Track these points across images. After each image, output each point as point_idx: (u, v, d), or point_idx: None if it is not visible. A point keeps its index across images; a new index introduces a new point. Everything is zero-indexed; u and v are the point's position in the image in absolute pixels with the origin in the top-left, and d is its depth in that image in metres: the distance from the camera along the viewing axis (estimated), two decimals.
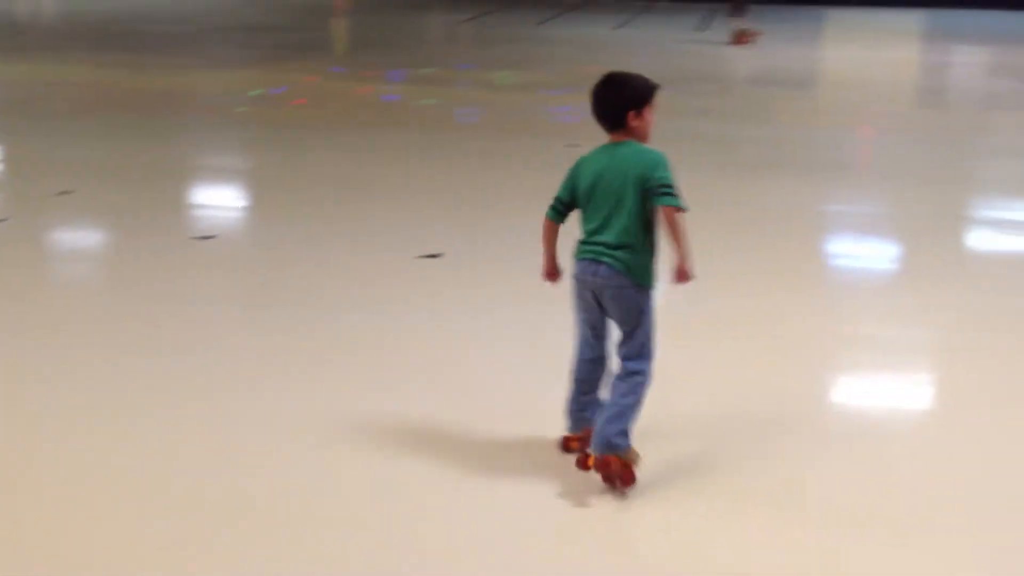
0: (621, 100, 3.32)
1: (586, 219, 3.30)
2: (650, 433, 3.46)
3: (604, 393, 3.38)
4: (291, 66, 12.69)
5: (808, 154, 8.31)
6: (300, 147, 8.45)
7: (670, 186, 3.18)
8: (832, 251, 6.12)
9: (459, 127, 9.33)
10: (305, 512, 3.15)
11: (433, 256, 5.61)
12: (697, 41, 15.41)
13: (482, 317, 4.82)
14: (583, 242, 3.29)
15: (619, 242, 3.21)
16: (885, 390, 4.22)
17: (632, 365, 3.28)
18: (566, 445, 3.49)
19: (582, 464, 3.36)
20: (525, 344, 4.52)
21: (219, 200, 7.15)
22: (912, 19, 18.88)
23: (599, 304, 3.29)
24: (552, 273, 3.48)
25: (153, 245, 5.82)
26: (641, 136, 3.31)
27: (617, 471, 3.22)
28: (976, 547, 3.06)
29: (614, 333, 3.35)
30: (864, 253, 6.06)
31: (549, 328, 4.71)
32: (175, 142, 8.65)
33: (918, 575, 2.94)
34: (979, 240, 6.48)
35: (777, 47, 14.70)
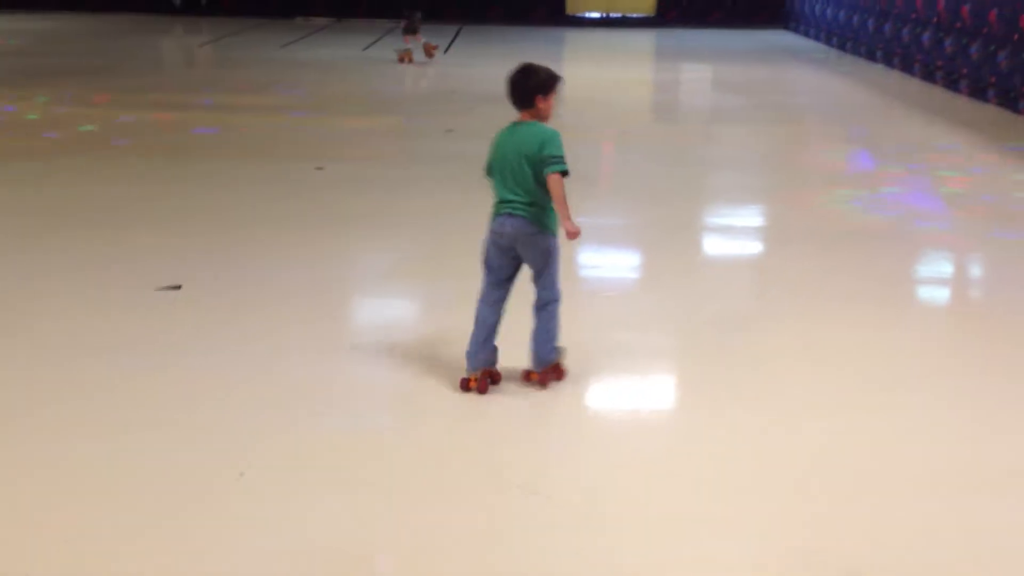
0: (531, 86, 4.09)
1: (497, 184, 4.14)
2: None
3: (497, 341, 4.21)
4: (14, 93, 11.88)
5: None
6: (23, 177, 7.92)
7: (556, 157, 4.00)
8: (581, 262, 6.32)
9: (200, 152, 9.02)
10: None
11: (173, 288, 5.37)
12: (443, 62, 15.62)
13: (226, 351, 4.66)
14: (498, 203, 4.12)
15: (526, 200, 4.05)
16: (628, 392, 4.40)
17: (546, 295, 4.19)
18: (467, 385, 4.20)
19: (526, 378, 4.25)
20: (271, 376, 4.41)
21: None
22: (644, 39, 19.91)
23: (512, 252, 4.12)
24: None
25: None
26: (545, 116, 4.13)
27: (552, 374, 4.26)
28: (718, 529, 3.23)
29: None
30: (606, 263, 6.31)
31: (295, 353, 4.62)
32: None
33: (658, 561, 3.07)
34: (711, 246, 6.89)
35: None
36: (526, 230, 4.05)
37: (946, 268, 6.54)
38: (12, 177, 8.00)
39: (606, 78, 14.67)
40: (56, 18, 20.31)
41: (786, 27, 21.00)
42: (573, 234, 4.06)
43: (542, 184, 4.01)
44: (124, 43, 17.08)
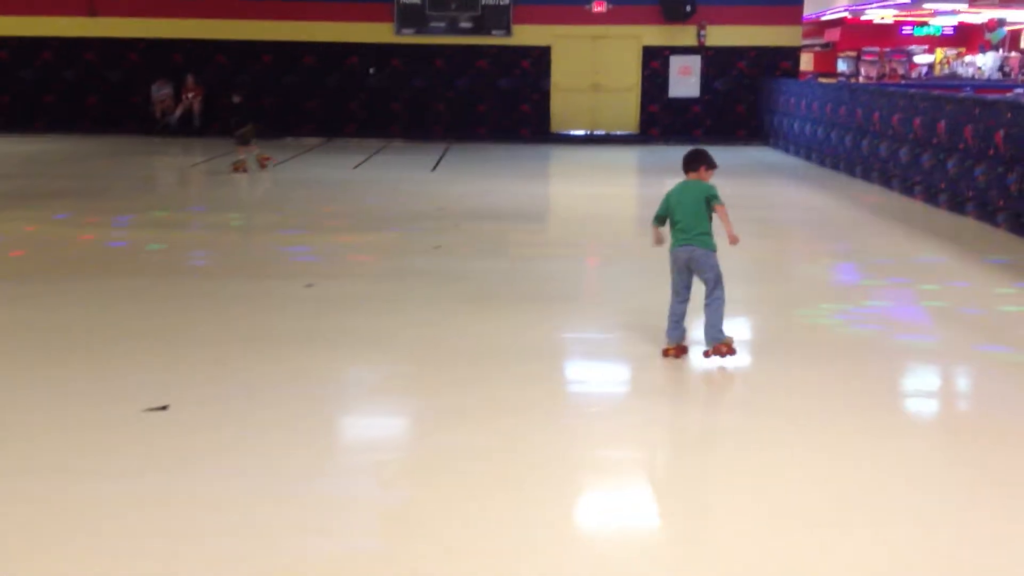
0: (699, 160, 6.41)
1: (677, 221, 6.24)
2: None
3: (685, 323, 6.38)
4: (6, 215, 12.00)
5: (540, 285, 8.66)
6: (15, 298, 7.94)
7: (718, 196, 6.22)
8: (568, 377, 6.34)
9: (192, 271, 9.08)
10: None
11: (161, 408, 5.36)
12: (431, 181, 15.89)
13: (212, 473, 4.63)
14: (678, 232, 6.24)
15: (700, 231, 6.17)
16: (618, 513, 4.36)
17: (715, 294, 6.21)
18: (666, 353, 6.40)
19: (706, 355, 6.29)
20: (258, 498, 4.37)
21: None
22: (628, 155, 20.32)
23: (688, 269, 6.24)
24: (660, 240, 6.53)
25: None
26: (704, 179, 6.36)
27: (726, 351, 6.24)
28: None
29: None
30: (592, 378, 6.32)
31: (281, 473, 4.58)
32: None
33: None
34: (697, 359, 6.91)
35: (513, 183, 15.39)
36: (699, 252, 6.16)
37: (932, 381, 6.57)
38: (4, 298, 8.02)
39: (592, 193, 14.93)
40: (48, 140, 20.63)
41: (766, 143, 21.47)
42: (735, 240, 6.23)
43: (709, 219, 6.19)
44: (116, 164, 17.33)
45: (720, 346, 6.19)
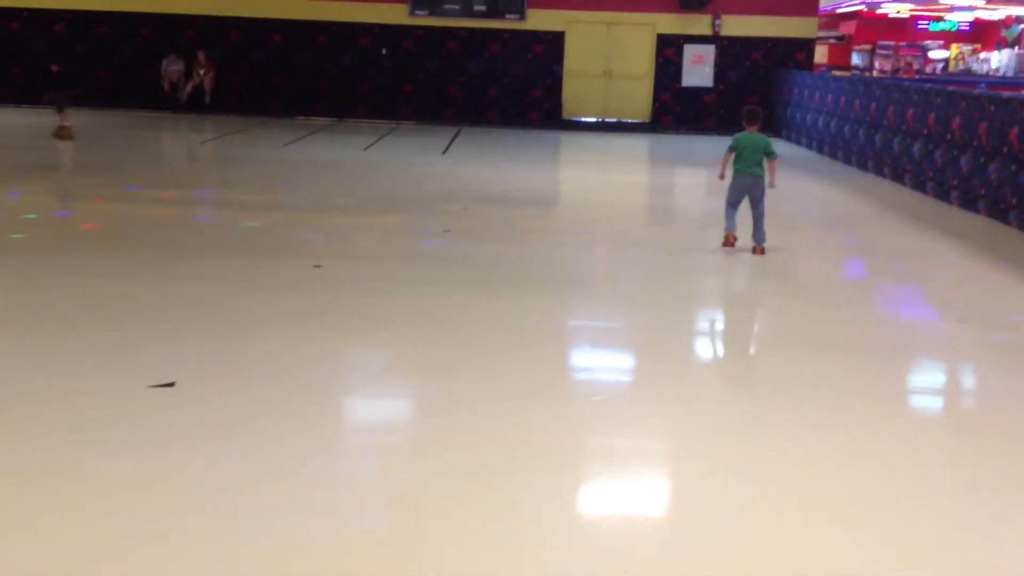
0: (756, 116, 9.34)
1: (742, 160, 9.13)
2: None
3: (728, 227, 9.35)
4: (14, 188, 12.00)
5: (549, 271, 8.64)
6: (27, 270, 7.95)
7: (774, 152, 9.25)
8: (573, 364, 6.33)
9: (198, 248, 9.08)
10: None
11: (167, 385, 5.36)
12: (442, 164, 15.86)
13: (215, 451, 4.64)
14: (743, 167, 9.13)
15: (758, 166, 9.14)
16: (621, 500, 4.36)
17: (760, 209, 9.18)
18: (726, 240, 9.33)
19: (754, 251, 9.18)
20: (260, 476, 4.37)
21: None
22: (639, 143, 20.27)
23: (745, 190, 9.12)
24: (724, 176, 9.36)
25: None
26: (761, 129, 9.35)
27: (761, 252, 9.19)
28: None
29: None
30: (598, 366, 6.32)
31: (285, 452, 4.59)
32: None
33: None
34: (703, 351, 6.91)
35: (523, 168, 15.36)
36: (757, 181, 9.09)
37: (938, 377, 6.55)
38: (12, 271, 8.03)
39: (602, 180, 14.89)
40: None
41: (779, 135, 21.39)
42: (773, 185, 9.21)
43: (764, 161, 9.12)
44: (126, 139, 17.32)
45: (761, 247, 9.10)
